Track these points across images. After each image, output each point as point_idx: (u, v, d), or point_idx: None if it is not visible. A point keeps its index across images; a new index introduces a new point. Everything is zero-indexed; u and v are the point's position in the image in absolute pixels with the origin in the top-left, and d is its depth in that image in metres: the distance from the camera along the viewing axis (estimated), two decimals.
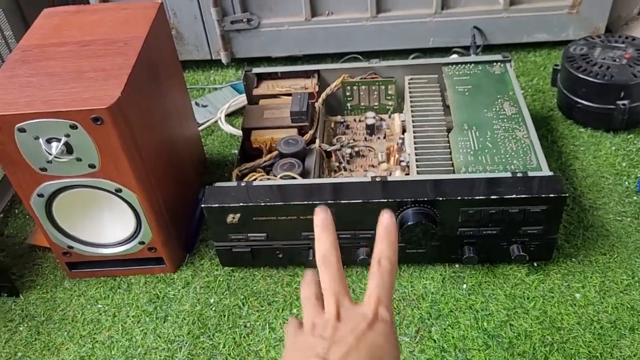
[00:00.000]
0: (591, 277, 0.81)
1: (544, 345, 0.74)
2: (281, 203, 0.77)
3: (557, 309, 0.78)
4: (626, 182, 0.94)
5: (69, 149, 0.72)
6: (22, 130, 0.70)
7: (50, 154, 0.71)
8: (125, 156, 0.73)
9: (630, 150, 0.99)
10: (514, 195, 0.74)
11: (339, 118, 1.03)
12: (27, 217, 0.99)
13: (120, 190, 0.76)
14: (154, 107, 0.81)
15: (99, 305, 0.84)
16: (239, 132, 1.10)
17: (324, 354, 0.41)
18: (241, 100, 1.16)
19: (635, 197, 0.91)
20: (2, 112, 0.69)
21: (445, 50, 1.25)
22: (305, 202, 0.76)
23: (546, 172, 0.78)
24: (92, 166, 0.74)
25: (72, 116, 0.69)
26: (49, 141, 0.71)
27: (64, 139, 0.71)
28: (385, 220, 0.47)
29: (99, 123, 0.69)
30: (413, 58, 1.23)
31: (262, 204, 0.77)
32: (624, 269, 0.81)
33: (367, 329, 0.43)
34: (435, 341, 0.75)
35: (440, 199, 0.75)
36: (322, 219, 0.48)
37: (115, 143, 0.71)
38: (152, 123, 0.81)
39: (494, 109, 0.89)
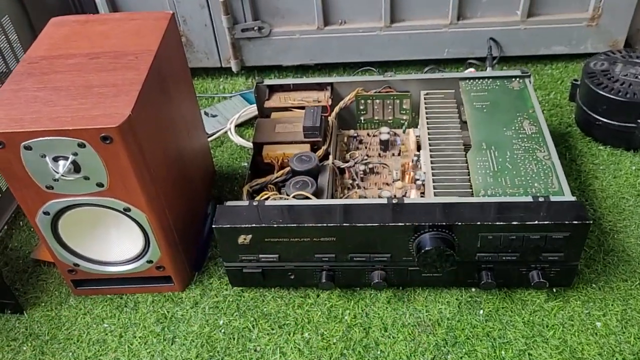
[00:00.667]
0: (612, 305, 0.78)
1: None
2: (294, 225, 0.74)
3: (578, 339, 0.75)
4: None
5: (76, 167, 0.69)
6: (28, 148, 0.68)
7: (57, 173, 0.69)
8: (134, 175, 0.70)
9: None
10: (535, 222, 0.72)
11: (352, 132, 1.00)
12: (32, 230, 0.97)
13: (128, 210, 0.74)
14: (163, 121, 0.79)
15: (105, 325, 0.82)
16: (249, 144, 1.08)
17: None
18: (251, 110, 1.13)
19: None
20: (8, 129, 0.67)
21: (461, 62, 1.22)
22: (319, 225, 0.74)
23: (568, 196, 0.75)
24: (100, 185, 0.71)
25: (80, 135, 0.66)
26: (55, 159, 0.69)
27: (71, 158, 0.68)
28: None
29: (108, 142, 0.67)
30: (428, 70, 1.20)
31: (275, 225, 0.74)
32: None
33: None
34: None
35: (459, 223, 0.73)
36: None
37: (125, 162, 0.69)
38: (162, 138, 0.78)
39: (513, 128, 0.87)
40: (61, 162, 0.69)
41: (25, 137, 0.67)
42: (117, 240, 0.80)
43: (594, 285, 0.81)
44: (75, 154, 0.68)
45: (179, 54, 0.87)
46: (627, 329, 0.76)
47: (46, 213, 0.75)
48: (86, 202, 0.73)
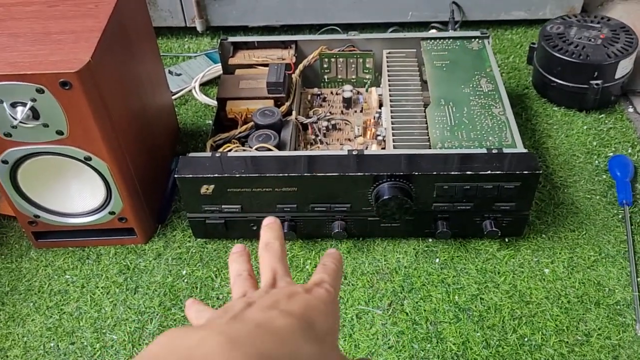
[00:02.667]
0: (560, 253, 0.82)
1: (512, 318, 0.75)
2: (256, 175, 0.76)
3: (527, 284, 0.79)
4: (596, 161, 0.95)
5: (35, 114, 0.69)
6: None
7: (15, 119, 0.69)
8: (95, 123, 0.70)
9: (601, 129, 1.00)
10: (488, 172, 0.75)
11: (315, 90, 1.01)
12: None
13: (89, 159, 0.74)
14: (125, 73, 0.79)
15: (67, 276, 0.83)
16: (213, 102, 1.08)
17: (248, 301, 0.37)
18: (216, 69, 1.13)
19: (604, 176, 0.93)
20: None
21: (424, 25, 1.24)
22: (281, 175, 0.75)
23: (521, 149, 0.78)
24: (60, 133, 0.71)
25: (38, 80, 0.66)
26: (13, 105, 0.68)
27: (29, 104, 0.68)
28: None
29: (67, 88, 0.66)
30: (391, 31, 1.21)
31: (237, 175, 0.76)
32: (592, 246, 0.83)
33: (304, 292, 0.39)
34: (407, 314, 0.76)
35: (416, 173, 0.75)
36: (269, 221, 0.45)
37: (85, 109, 0.69)
38: (124, 90, 0.78)
39: (471, 85, 0.89)
40: (19, 108, 0.68)
41: None
42: (78, 191, 0.80)
43: (543, 235, 0.85)
44: (34, 100, 0.68)
45: (141, 7, 0.86)
46: (572, 275, 0.80)
47: (4, 162, 0.74)
48: (46, 151, 0.73)
